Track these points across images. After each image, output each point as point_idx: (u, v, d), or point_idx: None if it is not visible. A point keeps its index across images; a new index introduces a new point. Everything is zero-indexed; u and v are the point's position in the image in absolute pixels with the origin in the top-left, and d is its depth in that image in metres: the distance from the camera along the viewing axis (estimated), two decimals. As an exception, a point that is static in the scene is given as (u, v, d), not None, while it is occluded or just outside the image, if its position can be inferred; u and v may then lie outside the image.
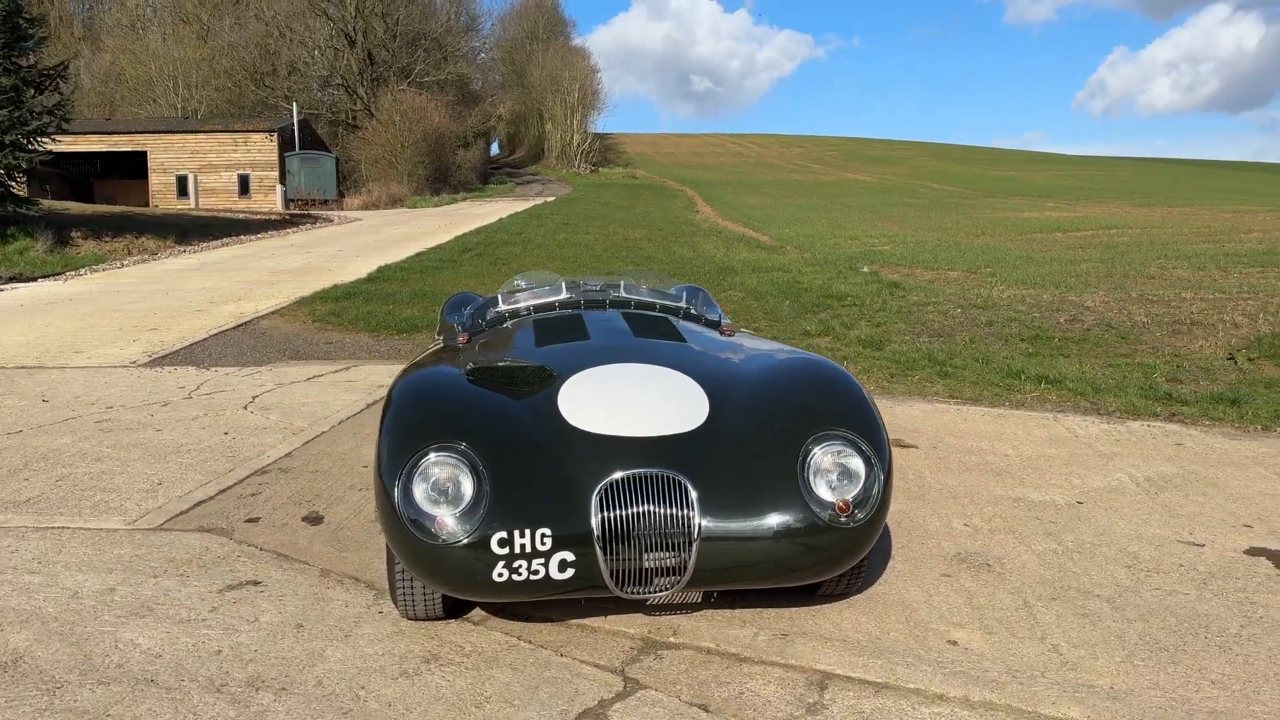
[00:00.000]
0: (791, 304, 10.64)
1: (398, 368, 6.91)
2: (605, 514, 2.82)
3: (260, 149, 38.44)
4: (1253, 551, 3.81)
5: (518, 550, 2.78)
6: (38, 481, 4.61)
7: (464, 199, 40.51)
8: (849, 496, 2.98)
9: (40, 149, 19.15)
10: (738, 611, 3.22)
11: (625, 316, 4.10)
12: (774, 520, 2.91)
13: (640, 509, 2.84)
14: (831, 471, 3.01)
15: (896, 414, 5.92)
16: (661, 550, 2.83)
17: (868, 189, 51.11)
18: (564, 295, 4.48)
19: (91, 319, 10.13)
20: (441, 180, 43.93)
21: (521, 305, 4.47)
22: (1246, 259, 13.98)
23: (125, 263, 16.81)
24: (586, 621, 3.14)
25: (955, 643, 3.03)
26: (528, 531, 2.79)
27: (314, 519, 4.13)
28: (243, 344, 8.72)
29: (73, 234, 18.79)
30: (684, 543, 2.84)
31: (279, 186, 37.92)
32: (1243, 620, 3.21)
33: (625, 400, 3.16)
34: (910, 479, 4.67)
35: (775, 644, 3.01)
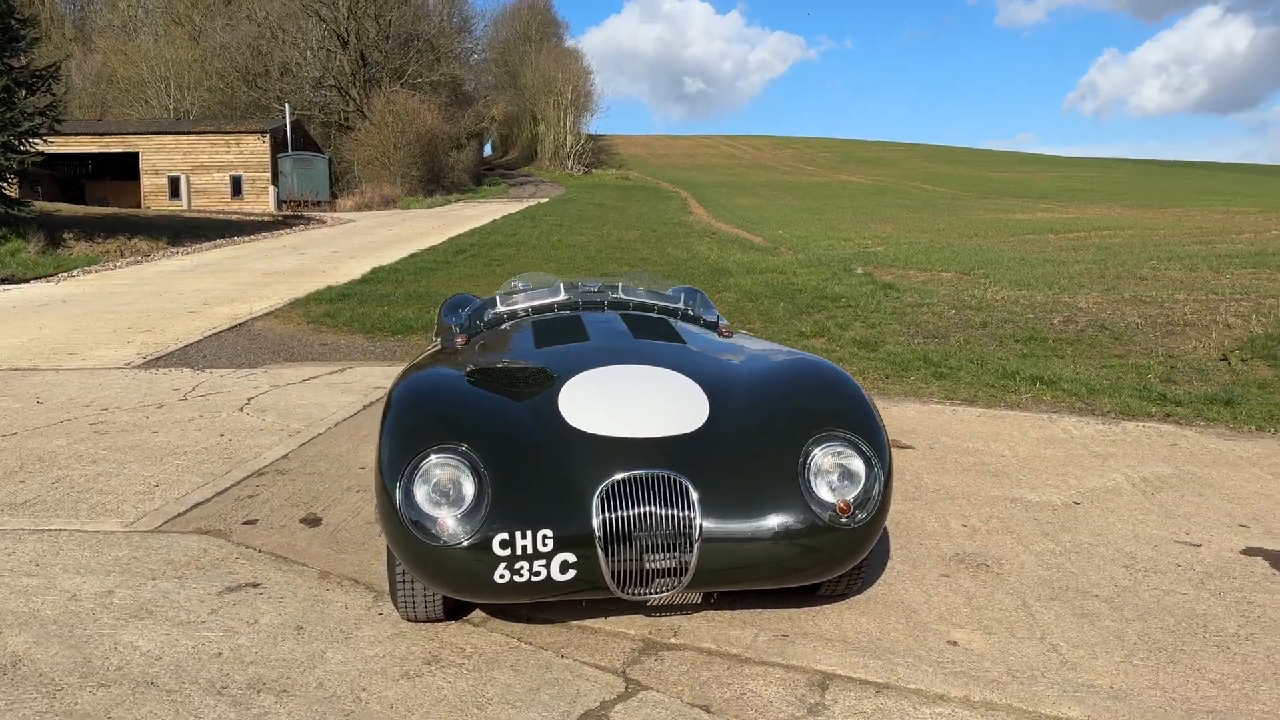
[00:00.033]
0: (786, 305, 10.65)
1: (393, 369, 6.92)
2: (606, 515, 2.82)
3: (253, 150, 38.38)
4: (1249, 551, 3.83)
5: (519, 551, 2.78)
6: (34, 484, 4.60)
7: (457, 200, 40.43)
8: (850, 497, 2.99)
9: (32, 150, 19.08)
10: (738, 612, 3.23)
11: (624, 318, 4.10)
12: (775, 521, 2.92)
13: (641, 510, 2.84)
14: (832, 472, 3.02)
15: (892, 415, 5.93)
16: (662, 551, 2.83)
17: (861, 190, 51.22)
18: (562, 296, 4.47)
19: (85, 321, 10.09)
20: (435, 181, 43.84)
21: (520, 306, 4.45)
22: (1238, 260, 14.03)
23: (118, 264, 16.76)
24: (587, 623, 3.15)
25: (955, 643, 3.04)
26: (529, 533, 2.79)
27: (312, 521, 4.12)
28: (237, 346, 8.70)
29: (65, 235, 18.73)
30: (685, 544, 2.84)
31: (271, 188, 37.85)
32: (1240, 620, 3.22)
33: (626, 401, 3.16)
34: (907, 480, 4.69)
35: (776, 645, 3.02)
